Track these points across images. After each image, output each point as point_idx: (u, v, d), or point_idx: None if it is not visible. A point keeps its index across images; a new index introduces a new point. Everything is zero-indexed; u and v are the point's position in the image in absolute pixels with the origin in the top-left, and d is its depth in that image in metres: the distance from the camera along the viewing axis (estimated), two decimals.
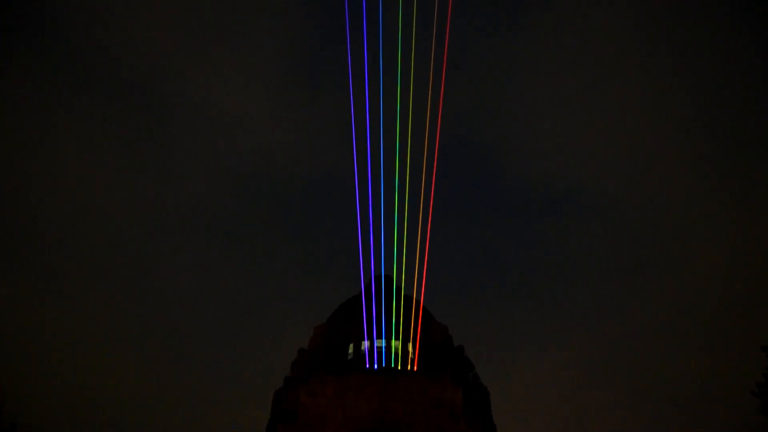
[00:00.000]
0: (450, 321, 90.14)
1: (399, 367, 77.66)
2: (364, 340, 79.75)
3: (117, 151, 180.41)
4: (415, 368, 78.44)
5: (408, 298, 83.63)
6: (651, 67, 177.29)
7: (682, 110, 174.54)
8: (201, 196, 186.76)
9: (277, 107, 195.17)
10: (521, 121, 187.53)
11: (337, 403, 72.75)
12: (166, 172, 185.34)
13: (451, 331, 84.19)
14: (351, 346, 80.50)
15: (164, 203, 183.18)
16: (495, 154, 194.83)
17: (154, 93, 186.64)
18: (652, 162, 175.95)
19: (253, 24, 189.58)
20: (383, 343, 78.91)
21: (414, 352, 79.36)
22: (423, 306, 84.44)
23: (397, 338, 79.42)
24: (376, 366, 77.57)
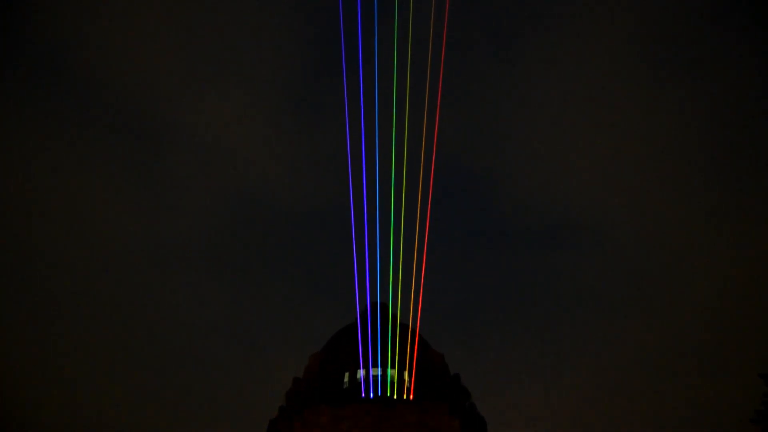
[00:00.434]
0: (446, 349, 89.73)
1: (395, 396, 77.07)
2: (359, 368, 79.23)
3: (114, 182, 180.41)
4: (412, 397, 77.87)
5: (404, 326, 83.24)
6: (646, 99, 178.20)
7: (678, 142, 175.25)
8: (197, 226, 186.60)
9: (273, 139, 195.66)
10: (515, 152, 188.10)
11: None
12: (162, 203, 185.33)
13: (447, 359, 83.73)
14: (347, 374, 79.93)
15: (160, 234, 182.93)
16: (489, 185, 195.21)
17: (152, 126, 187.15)
18: (648, 192, 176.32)
19: (249, 58, 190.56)
20: (379, 371, 78.39)
21: (410, 381, 78.82)
22: (419, 334, 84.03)
23: (393, 366, 78.92)
24: (371, 395, 76.97)
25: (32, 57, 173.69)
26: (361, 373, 78.62)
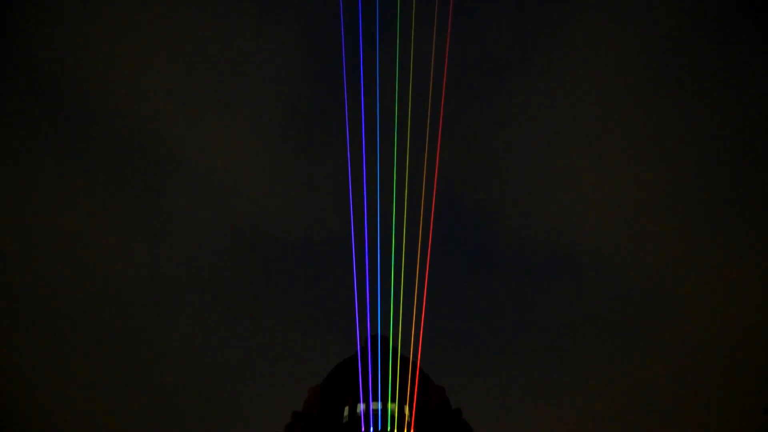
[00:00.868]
0: (447, 381, 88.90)
1: (395, 431, 76.26)
2: (359, 402, 78.45)
3: (111, 212, 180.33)
4: None
5: (404, 359, 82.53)
6: (649, 131, 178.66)
7: (682, 171, 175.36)
8: (195, 256, 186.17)
9: (274, 168, 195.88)
10: (514, 183, 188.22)
11: None
12: (160, 233, 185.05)
13: (448, 392, 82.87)
14: (346, 408, 79.10)
15: (158, 264, 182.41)
16: (489, 216, 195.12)
17: (150, 154, 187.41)
18: (651, 223, 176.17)
19: (249, 87, 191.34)
20: (379, 405, 77.58)
21: (410, 416, 77.96)
22: (420, 367, 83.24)
23: (393, 400, 78.12)
24: (371, 429, 76.16)
25: (31, 84, 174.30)
26: (361, 407, 77.81)
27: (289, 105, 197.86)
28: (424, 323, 75.76)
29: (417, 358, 79.39)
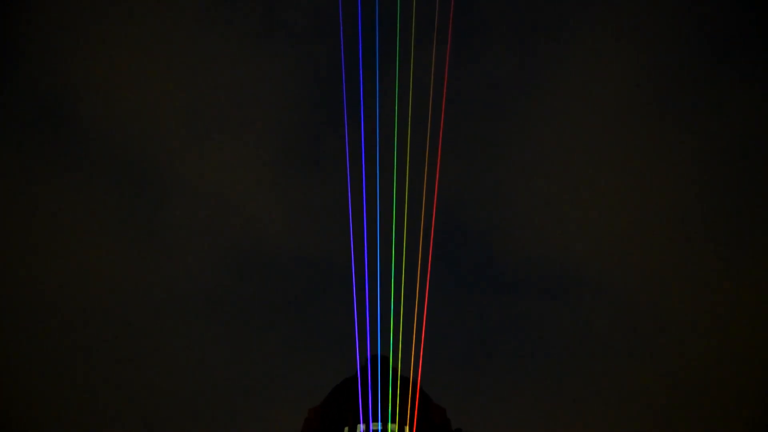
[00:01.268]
0: (448, 400, 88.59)
1: None
2: (359, 423, 78.11)
3: (111, 230, 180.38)
4: None
5: (405, 380, 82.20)
6: (647, 151, 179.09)
7: (680, 191, 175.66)
8: (195, 276, 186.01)
9: (275, 188, 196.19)
10: (514, 205, 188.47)
11: None
12: (160, 252, 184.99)
13: (449, 412, 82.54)
14: (346, 429, 78.77)
15: (158, 283, 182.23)
16: (489, 237, 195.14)
17: (151, 173, 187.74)
18: (650, 242, 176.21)
19: (250, 105, 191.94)
20: (379, 426, 77.24)
21: None
22: (420, 387, 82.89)
23: (393, 421, 77.74)
24: None
25: (31, 107, 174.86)
26: (361, 427, 77.47)
27: (290, 126, 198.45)
28: (424, 343, 75.55)
29: (417, 378, 79.12)
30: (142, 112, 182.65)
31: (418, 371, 77.09)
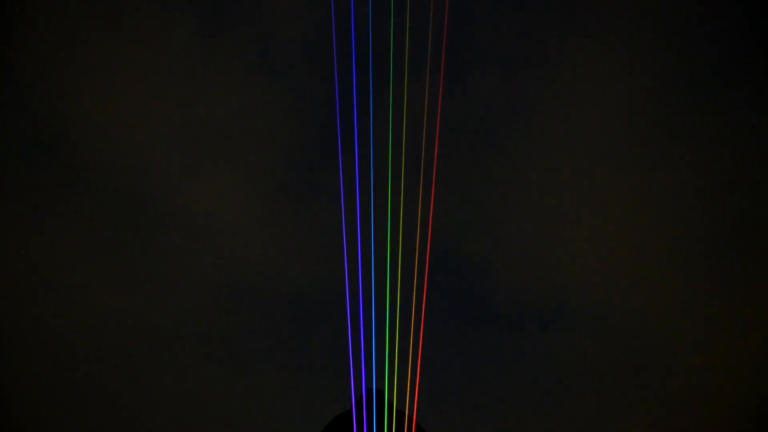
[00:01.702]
0: None
1: None
2: None
3: (102, 263, 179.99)
4: None
5: (401, 414, 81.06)
6: (645, 180, 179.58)
7: (680, 222, 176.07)
8: (188, 308, 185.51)
9: (267, 219, 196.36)
10: (508, 236, 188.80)
11: None
12: (152, 284, 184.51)
13: None
14: None
15: (149, 316, 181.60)
16: (484, 266, 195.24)
17: (142, 204, 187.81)
18: (648, 275, 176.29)
19: (244, 136, 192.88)
20: None
21: None
22: (416, 422, 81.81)
23: None
24: None
25: (19, 133, 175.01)
26: None
27: (284, 158, 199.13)
28: (420, 376, 74.68)
29: (413, 412, 78.14)
30: (132, 142, 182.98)
31: (414, 405, 76.16)
